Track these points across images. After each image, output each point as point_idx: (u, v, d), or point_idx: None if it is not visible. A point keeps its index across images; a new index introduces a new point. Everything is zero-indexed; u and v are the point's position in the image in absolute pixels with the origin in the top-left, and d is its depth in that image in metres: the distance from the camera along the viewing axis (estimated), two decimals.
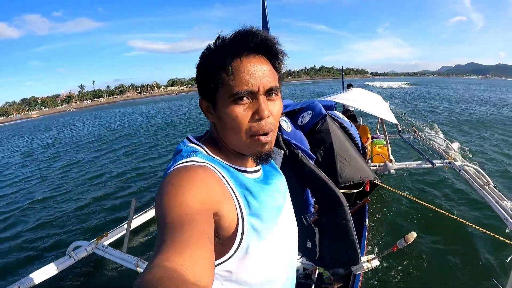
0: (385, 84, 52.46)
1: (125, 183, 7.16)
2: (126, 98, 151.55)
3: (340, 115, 2.84)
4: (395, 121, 4.13)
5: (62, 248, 4.05)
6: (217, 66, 0.64)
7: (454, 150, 5.32)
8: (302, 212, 1.88)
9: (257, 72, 0.63)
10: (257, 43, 0.64)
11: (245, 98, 0.63)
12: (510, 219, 3.00)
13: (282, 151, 1.80)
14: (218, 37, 0.66)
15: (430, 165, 4.21)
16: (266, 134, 0.66)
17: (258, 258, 0.66)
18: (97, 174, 8.30)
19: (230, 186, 0.65)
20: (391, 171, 4.50)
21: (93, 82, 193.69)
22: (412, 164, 4.51)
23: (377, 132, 6.65)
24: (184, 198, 0.52)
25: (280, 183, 0.85)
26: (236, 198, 0.64)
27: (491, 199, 3.40)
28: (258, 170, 0.78)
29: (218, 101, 0.66)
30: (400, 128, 4.85)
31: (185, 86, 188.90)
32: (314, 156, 1.90)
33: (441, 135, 6.98)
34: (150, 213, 4.24)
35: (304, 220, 1.84)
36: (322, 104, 2.36)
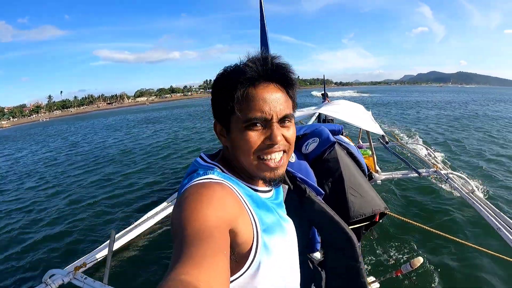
0: (337, 94, 55.49)
1: (108, 201, 6.69)
2: (97, 108, 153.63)
3: (345, 139, 2.65)
4: (381, 132, 4.12)
5: (38, 275, 3.85)
6: (230, 93, 0.65)
7: (437, 158, 5.46)
8: (308, 251, 1.71)
9: (271, 100, 0.64)
10: (272, 71, 0.66)
11: (258, 125, 0.64)
12: (501, 226, 3.04)
13: (286, 186, 1.61)
14: (230, 67, 0.69)
15: (416, 175, 4.22)
16: (278, 158, 0.67)
17: (267, 275, 0.66)
18: (76, 194, 7.70)
19: (246, 204, 0.65)
20: (377, 181, 4.44)
21: (61, 92, 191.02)
22: (398, 174, 4.48)
23: (359, 141, 6.66)
24: (202, 213, 0.52)
25: (284, 210, 0.87)
26: (252, 216, 0.65)
27: (480, 206, 3.43)
28: (270, 190, 0.80)
29: (231, 126, 0.67)
30: (387, 139, 4.89)
31: (154, 97, 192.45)
32: (323, 192, 1.68)
33: (421, 143, 7.17)
34: (133, 234, 3.88)
35: (310, 263, 1.66)
36: (328, 129, 2.16)
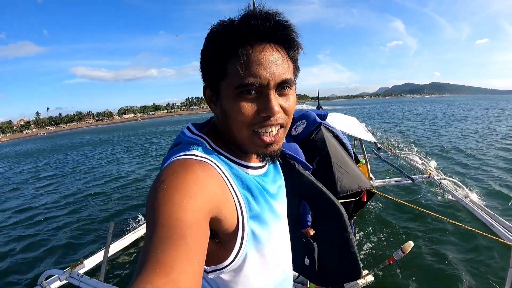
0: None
1: (103, 204, 6.67)
2: (90, 124, 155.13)
3: (331, 124, 2.71)
4: (373, 139, 4.17)
5: (34, 277, 3.76)
6: (223, 52, 0.56)
7: (430, 166, 5.58)
8: (299, 227, 1.75)
9: (268, 62, 0.55)
10: (271, 29, 0.55)
11: (252, 92, 0.55)
12: (495, 224, 3.17)
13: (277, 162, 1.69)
14: (224, 21, 0.58)
15: (410, 181, 4.29)
16: (273, 131, 0.58)
17: (255, 269, 0.61)
18: (71, 194, 7.76)
19: (231, 185, 0.58)
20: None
21: (47, 109, 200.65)
22: (392, 181, 4.57)
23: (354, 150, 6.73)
24: (176, 205, 0.45)
25: (282, 186, 0.79)
26: (237, 199, 0.58)
27: (473, 207, 3.61)
28: (263, 166, 0.70)
29: (222, 91, 0.58)
30: (379, 146, 4.97)
31: (141, 114, 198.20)
32: (311, 167, 1.73)
33: (415, 152, 7.37)
34: (131, 238, 3.93)
35: (303, 237, 1.71)
36: (315, 113, 2.29)
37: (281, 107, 0.58)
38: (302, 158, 1.83)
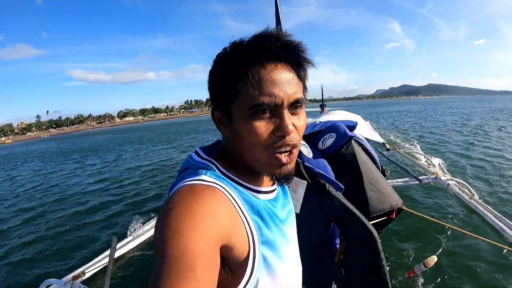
0: None
1: (107, 209, 6.53)
2: (92, 127, 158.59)
3: (359, 135, 2.54)
4: (381, 139, 4.09)
5: (33, 286, 3.66)
6: (235, 73, 0.55)
7: (434, 165, 5.55)
8: (327, 251, 1.63)
9: (281, 81, 0.55)
10: (282, 48, 0.55)
11: (266, 111, 0.54)
12: (506, 229, 3.10)
13: (305, 182, 1.56)
14: (235, 42, 0.58)
15: (417, 182, 4.20)
16: (288, 152, 0.57)
17: None
18: (76, 201, 7.58)
19: (241, 211, 0.56)
20: None
21: (47, 112, 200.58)
22: (399, 181, 4.45)
23: None
24: (184, 237, 0.44)
25: (292, 211, 0.77)
26: (248, 224, 0.56)
27: (482, 210, 3.51)
28: (273, 190, 0.69)
29: (234, 113, 0.57)
30: (388, 147, 4.85)
31: (142, 116, 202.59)
32: (343, 187, 1.63)
33: (420, 151, 7.31)
34: (132, 244, 3.86)
35: (330, 261, 1.59)
36: (344, 124, 2.11)
37: (294, 126, 0.57)
38: (332, 176, 1.71)
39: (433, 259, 1.89)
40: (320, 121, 2.52)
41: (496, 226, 3.26)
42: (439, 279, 3.04)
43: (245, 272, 0.55)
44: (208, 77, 0.61)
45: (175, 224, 0.46)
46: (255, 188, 0.63)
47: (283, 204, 0.72)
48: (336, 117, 4.33)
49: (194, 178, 0.55)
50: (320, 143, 2.03)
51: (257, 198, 0.62)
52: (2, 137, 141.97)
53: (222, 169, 0.60)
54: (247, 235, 0.56)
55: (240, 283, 0.54)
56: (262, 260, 0.57)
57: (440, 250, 3.54)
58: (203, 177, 0.55)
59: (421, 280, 2.93)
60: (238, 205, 0.56)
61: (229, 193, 0.56)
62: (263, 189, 0.65)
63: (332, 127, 2.07)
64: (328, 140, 2.02)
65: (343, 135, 1.99)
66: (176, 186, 0.55)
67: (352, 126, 2.29)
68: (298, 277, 0.72)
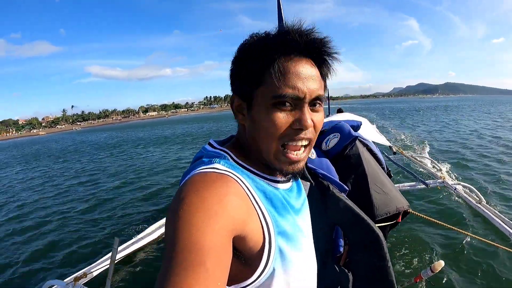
0: None
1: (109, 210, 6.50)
2: (119, 121, 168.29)
3: (364, 135, 2.47)
4: (388, 143, 4.01)
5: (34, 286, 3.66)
6: (262, 61, 0.55)
7: (441, 170, 5.41)
8: (332, 255, 1.58)
9: (306, 76, 0.55)
10: (310, 44, 0.56)
11: (288, 104, 0.54)
12: None
13: (308, 183, 1.51)
14: (259, 34, 0.59)
15: (424, 186, 4.04)
16: (303, 147, 0.58)
17: (279, 286, 0.57)
18: (78, 199, 7.59)
19: (256, 200, 0.56)
20: None
21: (72, 106, 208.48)
22: (405, 185, 4.33)
23: None
24: (195, 229, 0.43)
25: (306, 202, 0.76)
26: (263, 214, 0.55)
27: (490, 215, 3.42)
28: (288, 181, 0.67)
29: (255, 100, 0.57)
30: (394, 150, 4.77)
31: (163, 111, 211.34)
32: (347, 189, 1.58)
33: (427, 155, 7.16)
34: (135, 245, 3.80)
35: (336, 266, 1.54)
36: (349, 124, 2.06)
37: (312, 121, 0.57)
38: (336, 177, 1.66)
39: (440, 264, 1.83)
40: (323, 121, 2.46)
41: (504, 231, 3.17)
42: (446, 285, 2.94)
43: (260, 262, 0.54)
44: (231, 65, 0.61)
45: (186, 215, 0.45)
46: (270, 178, 0.62)
47: (298, 195, 0.71)
48: (340, 117, 4.30)
49: (207, 167, 0.54)
50: (324, 143, 1.98)
51: (273, 187, 0.62)
52: (32, 130, 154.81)
53: (236, 158, 0.60)
54: (262, 225, 0.55)
55: (253, 273, 0.54)
56: (278, 251, 0.56)
57: (447, 255, 3.41)
58: (216, 165, 0.55)
59: (428, 285, 2.85)
60: (252, 194, 0.55)
61: (243, 182, 0.55)
62: (278, 178, 0.64)
63: (336, 127, 2.01)
64: (332, 141, 1.97)
65: (348, 135, 1.93)
66: (189, 175, 0.54)
67: (356, 126, 2.23)
68: (313, 269, 0.71)
